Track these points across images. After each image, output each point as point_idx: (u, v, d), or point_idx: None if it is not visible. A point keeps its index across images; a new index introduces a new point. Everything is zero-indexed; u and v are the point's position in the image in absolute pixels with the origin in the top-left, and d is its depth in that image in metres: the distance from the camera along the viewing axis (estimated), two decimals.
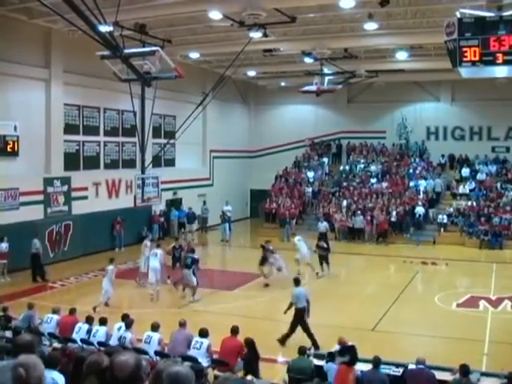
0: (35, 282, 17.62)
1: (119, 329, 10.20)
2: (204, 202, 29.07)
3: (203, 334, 9.56)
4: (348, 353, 8.50)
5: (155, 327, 9.91)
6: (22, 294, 16.04)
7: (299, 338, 11.33)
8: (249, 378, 8.24)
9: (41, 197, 20.42)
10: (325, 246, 19.01)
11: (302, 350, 8.83)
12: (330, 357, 8.78)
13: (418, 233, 25.95)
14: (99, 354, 3.50)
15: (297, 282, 12.32)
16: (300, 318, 11.68)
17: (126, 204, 22.19)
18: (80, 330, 10.26)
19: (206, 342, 9.38)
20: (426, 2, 17.26)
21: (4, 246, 17.68)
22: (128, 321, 10.16)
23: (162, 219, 26.14)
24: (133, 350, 8.64)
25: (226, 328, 10.17)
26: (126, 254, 22.54)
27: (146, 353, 9.11)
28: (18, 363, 3.07)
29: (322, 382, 7.92)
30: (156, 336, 9.77)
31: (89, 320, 10.57)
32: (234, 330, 9.76)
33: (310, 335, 11.37)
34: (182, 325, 10.10)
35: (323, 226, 23.59)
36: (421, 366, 8.19)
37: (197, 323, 10.77)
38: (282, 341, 11.60)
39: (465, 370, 7.75)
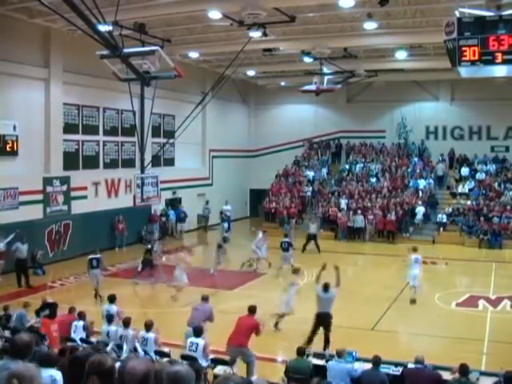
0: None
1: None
2: (207, 202, 29.08)
3: (198, 333, 9.38)
4: (48, 308, 10.88)
5: (149, 326, 9.74)
6: (21, 293, 16.04)
7: (299, 337, 11.31)
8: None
9: (40, 196, 20.39)
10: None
11: (301, 351, 8.82)
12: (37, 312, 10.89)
13: (418, 232, 25.99)
14: (102, 354, 3.47)
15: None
16: None
17: (126, 203, 22.21)
18: (77, 329, 10.22)
19: (201, 342, 9.21)
20: (425, 2, 17.24)
21: (1, 245, 17.62)
22: (126, 319, 10.10)
23: (164, 219, 26.14)
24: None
25: (225, 327, 10.18)
26: (127, 253, 22.59)
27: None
28: (13, 374, 3.00)
29: (322, 381, 7.91)
30: (151, 336, 9.64)
31: (81, 316, 10.50)
32: (251, 310, 10.04)
33: None
34: (205, 299, 10.83)
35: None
36: (419, 366, 8.19)
37: None
38: None
39: (464, 370, 7.73)
